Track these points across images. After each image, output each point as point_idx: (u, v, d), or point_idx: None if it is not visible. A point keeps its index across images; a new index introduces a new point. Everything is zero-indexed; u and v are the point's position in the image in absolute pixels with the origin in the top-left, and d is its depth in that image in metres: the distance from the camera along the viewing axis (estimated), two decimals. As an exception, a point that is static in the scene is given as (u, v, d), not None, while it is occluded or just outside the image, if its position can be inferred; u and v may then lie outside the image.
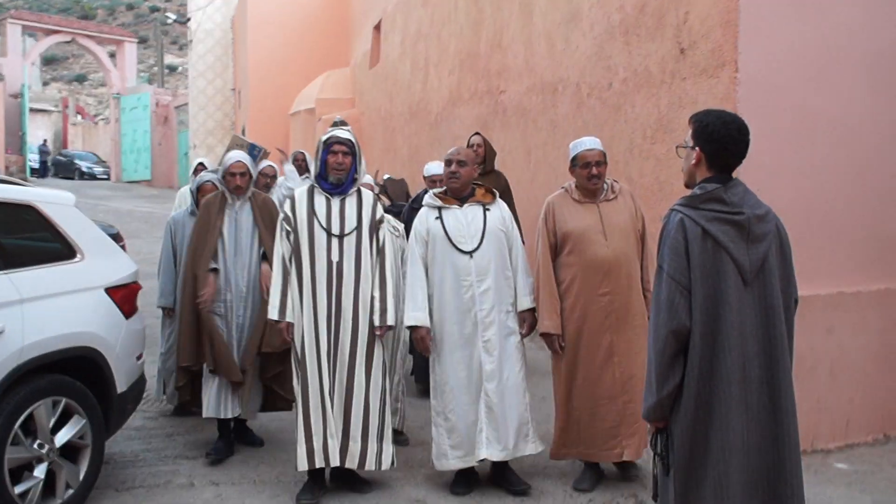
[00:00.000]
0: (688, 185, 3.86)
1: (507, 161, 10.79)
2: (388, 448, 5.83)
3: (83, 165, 45.23)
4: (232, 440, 6.71)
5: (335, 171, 5.80)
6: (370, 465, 5.75)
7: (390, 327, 5.92)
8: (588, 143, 5.92)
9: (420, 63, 16.00)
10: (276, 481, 6.12)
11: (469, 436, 5.76)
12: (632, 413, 5.69)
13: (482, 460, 5.78)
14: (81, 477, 5.50)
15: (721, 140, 3.69)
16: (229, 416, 6.53)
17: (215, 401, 6.48)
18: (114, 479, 6.11)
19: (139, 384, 6.25)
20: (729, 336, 3.57)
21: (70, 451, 5.47)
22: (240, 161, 6.65)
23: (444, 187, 6.13)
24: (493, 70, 12.04)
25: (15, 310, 5.10)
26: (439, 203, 6.00)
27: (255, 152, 8.87)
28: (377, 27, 20.23)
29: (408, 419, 7.17)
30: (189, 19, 34.25)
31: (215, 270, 6.48)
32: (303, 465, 5.66)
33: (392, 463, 5.85)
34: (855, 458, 6.53)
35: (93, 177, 44.09)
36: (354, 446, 5.72)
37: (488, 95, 12.24)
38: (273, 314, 5.78)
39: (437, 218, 5.94)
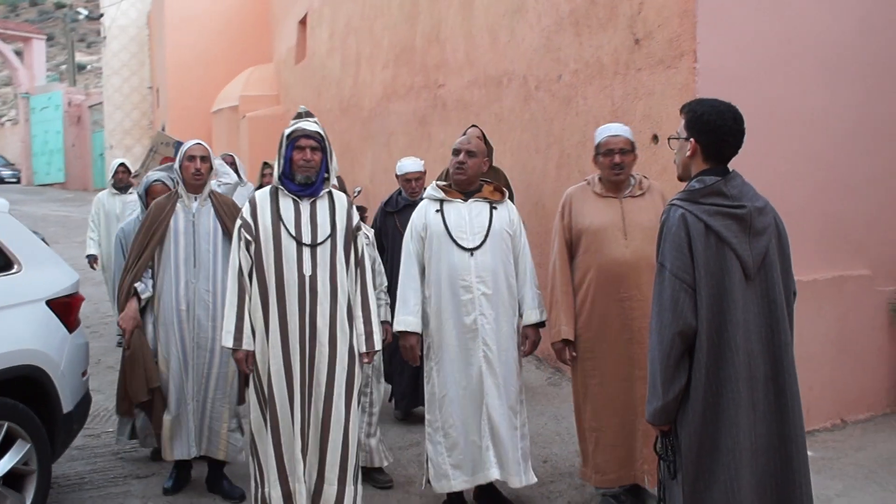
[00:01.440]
0: (682, 178, 3.78)
1: (448, 156, 10.67)
2: (360, 489, 5.11)
3: (-11, 169, 43.79)
4: (189, 473, 5.98)
5: (303, 169, 4.95)
6: None
7: (377, 352, 5.27)
8: (613, 129, 5.37)
9: (351, 58, 15.82)
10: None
11: (472, 453, 5.24)
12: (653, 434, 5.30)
13: (478, 486, 5.37)
14: (28, 505, 5.11)
15: (717, 130, 3.60)
16: (193, 454, 5.76)
17: (179, 439, 5.72)
18: (61, 506, 5.77)
19: (85, 402, 5.82)
20: (735, 335, 3.48)
21: (14, 479, 5.05)
22: (200, 143, 5.87)
23: (448, 181, 5.56)
24: (430, 64, 11.93)
25: (-49, 327, 4.73)
26: (441, 195, 5.42)
27: None
28: (303, 21, 20.00)
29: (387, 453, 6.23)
30: (102, 15, 33.51)
31: (135, 294, 5.67)
32: None
33: None
34: (818, 445, 6.56)
35: (1, 180, 42.40)
36: (330, 490, 4.93)
37: (426, 90, 12.13)
38: (227, 341, 4.93)
39: (437, 211, 5.37)
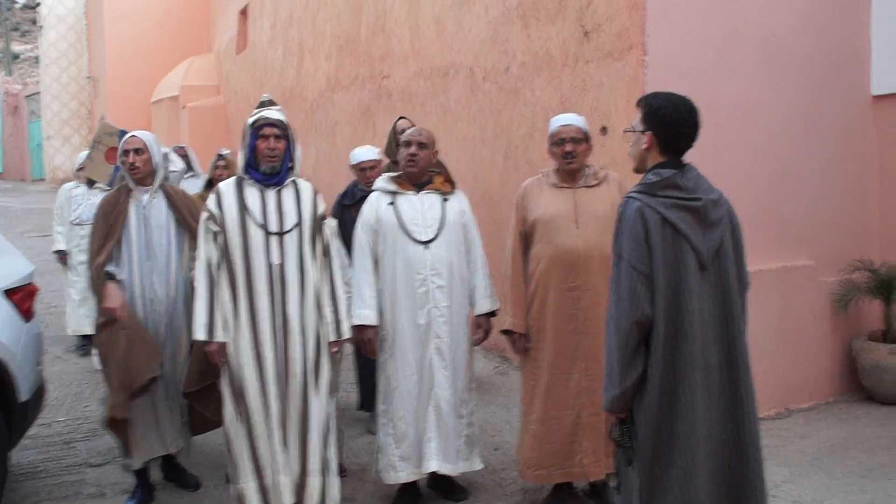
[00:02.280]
0: (638, 170, 3.80)
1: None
2: (338, 482, 5.08)
3: (-78, 160, 42.82)
4: (151, 484, 5.70)
5: (268, 158, 4.92)
6: (332, 501, 5.00)
7: (347, 340, 5.22)
8: (565, 118, 5.31)
9: (293, 48, 15.71)
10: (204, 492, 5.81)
11: (418, 445, 5.29)
12: (593, 427, 5.17)
13: (432, 473, 5.36)
14: (-17, 494, 5.11)
15: (673, 123, 3.62)
16: (156, 454, 5.62)
17: (147, 439, 5.52)
18: (16, 495, 5.74)
19: (40, 392, 5.86)
20: (692, 323, 3.51)
21: None
22: (134, 136, 5.64)
23: (399, 172, 5.53)
24: (375, 55, 11.87)
25: None
26: (394, 187, 5.41)
27: None
28: (243, 12, 19.81)
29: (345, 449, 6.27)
30: (39, 4, 32.93)
31: (111, 277, 5.41)
32: (254, 502, 4.87)
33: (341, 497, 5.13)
34: (764, 433, 6.40)
35: (-64, 172, 41.69)
36: (314, 481, 4.91)
37: (370, 81, 12.08)
38: (200, 333, 4.85)
39: (390, 204, 5.35)
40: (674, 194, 3.56)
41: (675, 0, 6.56)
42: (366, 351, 5.41)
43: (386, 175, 5.56)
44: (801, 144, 7.29)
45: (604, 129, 6.89)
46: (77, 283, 9.10)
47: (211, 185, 6.93)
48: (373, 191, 5.56)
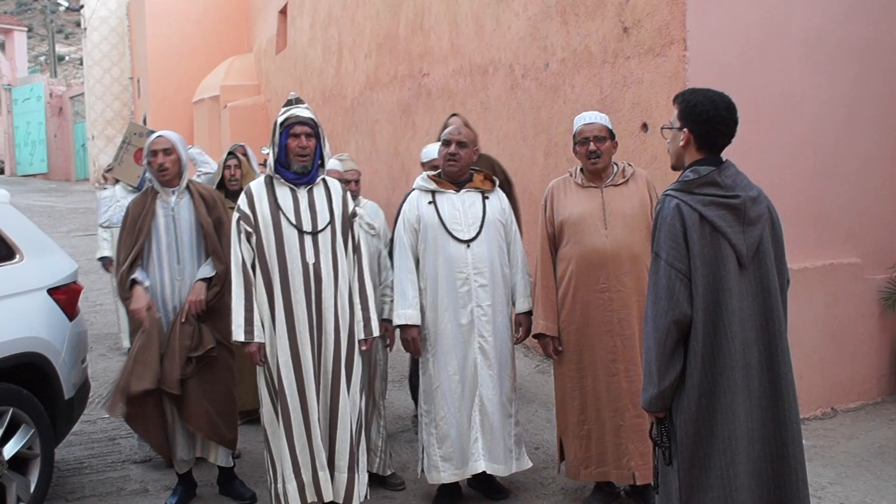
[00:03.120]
0: (675, 168, 3.76)
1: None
2: (366, 478, 5.10)
3: (-28, 160, 43.44)
4: (194, 481, 5.65)
5: (299, 157, 4.91)
6: (358, 498, 4.99)
7: (376, 338, 5.26)
8: (588, 117, 5.23)
9: (332, 47, 15.73)
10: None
11: (462, 446, 5.24)
12: (637, 429, 5.08)
13: (480, 474, 5.31)
14: (32, 489, 5.22)
15: (711, 120, 3.58)
16: (193, 456, 5.52)
17: (178, 443, 5.44)
18: (62, 490, 5.81)
19: (84, 389, 5.96)
20: (731, 322, 3.47)
21: (19, 463, 5.18)
22: (161, 136, 5.52)
23: (439, 170, 5.50)
24: (414, 53, 11.85)
25: (-44, 317, 4.78)
26: (433, 186, 5.37)
27: None
28: (283, 11, 19.89)
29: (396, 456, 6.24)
30: (82, 6, 33.29)
31: (135, 283, 5.33)
32: (295, 501, 4.86)
33: (367, 496, 5.13)
34: (809, 433, 6.55)
35: (-16, 171, 42.25)
36: (341, 477, 4.93)
37: (410, 78, 12.06)
38: (238, 335, 4.83)
39: (430, 203, 5.32)
40: (712, 192, 3.52)
41: (714, -5, 6.46)
42: (410, 350, 5.39)
43: (425, 174, 5.51)
44: (844, 139, 7.17)
45: (644, 126, 6.81)
46: None
47: (223, 184, 6.91)
48: (412, 190, 5.53)
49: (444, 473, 5.27)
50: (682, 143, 3.65)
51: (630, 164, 5.34)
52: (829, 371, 7.05)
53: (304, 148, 4.91)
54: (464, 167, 5.39)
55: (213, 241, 5.44)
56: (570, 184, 5.29)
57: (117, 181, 8.48)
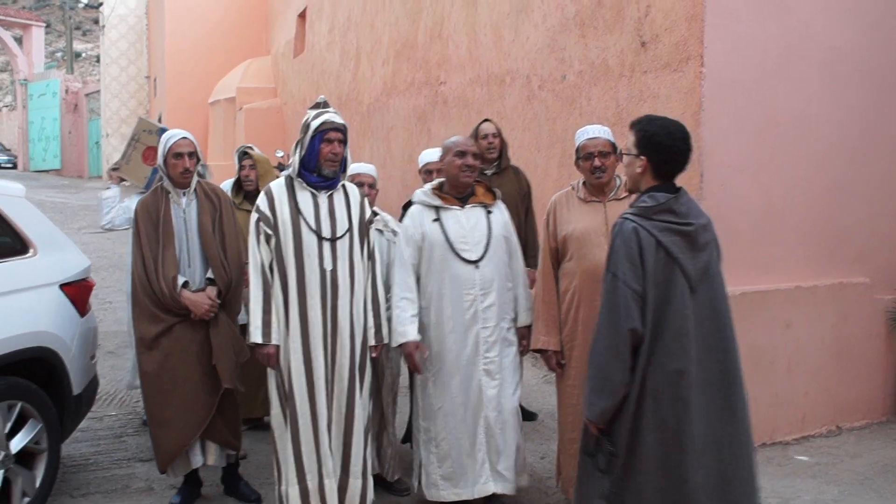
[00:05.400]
0: (631, 191, 3.98)
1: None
2: (372, 482, 5.13)
3: (-15, 154, 43.62)
4: (199, 480, 5.62)
5: (330, 162, 4.90)
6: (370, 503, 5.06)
7: (385, 345, 5.23)
8: (591, 131, 5.09)
9: (350, 52, 15.81)
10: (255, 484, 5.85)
11: (463, 465, 5.14)
12: None
13: (491, 495, 5.20)
14: (38, 484, 5.24)
15: (668, 150, 3.76)
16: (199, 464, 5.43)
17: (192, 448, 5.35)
18: (67, 485, 5.84)
19: (93, 385, 5.98)
20: (680, 342, 3.63)
21: (25, 457, 5.19)
22: (186, 137, 5.37)
23: (437, 181, 5.35)
24: (432, 60, 11.92)
25: (-29, 308, 4.81)
26: (438, 202, 5.17)
27: None
28: (302, 15, 20.01)
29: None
30: (101, 4, 33.49)
31: (186, 284, 5.23)
32: None
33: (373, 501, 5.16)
34: (814, 451, 6.60)
35: (-3, 166, 42.36)
36: (356, 483, 4.96)
37: (427, 86, 12.13)
38: (256, 337, 4.80)
39: (434, 220, 5.15)
40: (668, 219, 3.71)
41: (734, 12, 6.50)
42: (410, 366, 5.22)
43: (428, 187, 5.34)
44: (858, 159, 7.20)
45: (659, 141, 6.84)
46: None
47: (239, 185, 6.87)
48: (412, 203, 5.42)
49: (444, 492, 5.19)
50: (639, 171, 3.83)
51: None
52: (835, 389, 7.08)
53: (337, 154, 4.92)
54: (474, 180, 5.30)
55: (212, 249, 5.33)
56: (572, 198, 5.18)
57: (122, 180, 8.12)
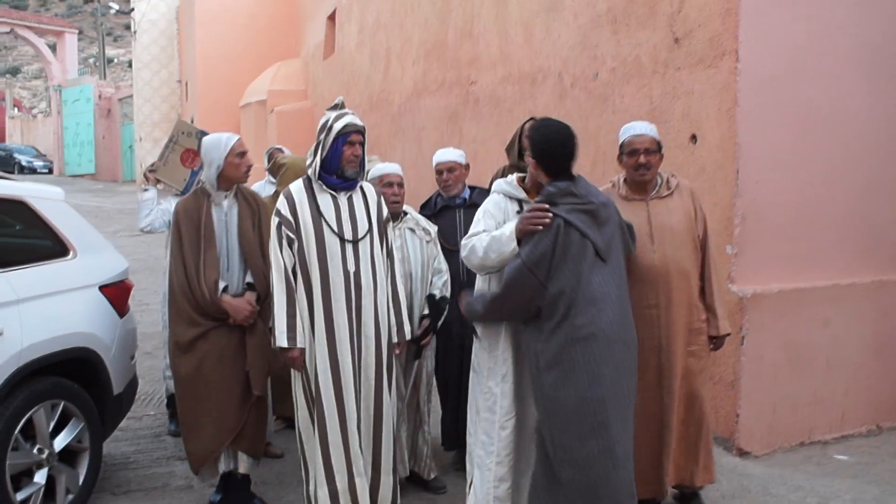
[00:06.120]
0: (535, 188, 4.56)
1: (479, 152, 10.69)
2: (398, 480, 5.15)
3: (23, 159, 44.13)
4: (236, 482, 5.48)
5: (352, 164, 4.91)
6: (398, 500, 5.07)
7: (408, 342, 5.22)
8: (638, 128, 5.06)
9: (380, 53, 15.80)
10: (278, 482, 5.93)
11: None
12: (689, 437, 5.08)
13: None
14: (81, 481, 5.35)
15: (550, 155, 4.35)
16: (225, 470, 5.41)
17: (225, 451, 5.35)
18: (109, 483, 5.91)
19: (133, 385, 6.07)
20: (595, 302, 4.16)
21: (68, 456, 5.30)
22: (241, 138, 5.41)
23: (519, 174, 4.86)
24: (462, 60, 11.88)
25: (13, 311, 4.89)
26: (522, 195, 4.66)
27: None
28: (331, 17, 20.02)
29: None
30: (133, 9, 33.76)
31: (226, 289, 5.23)
32: None
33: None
34: (853, 450, 6.51)
35: (33, 171, 42.77)
36: (387, 480, 4.99)
37: (458, 86, 12.09)
38: (282, 341, 4.75)
39: (518, 212, 4.59)
40: (572, 201, 4.25)
41: (768, 7, 6.42)
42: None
43: (512, 178, 4.79)
44: (894, 154, 7.10)
45: (693, 138, 6.78)
46: None
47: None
48: (456, 200, 5.73)
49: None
50: (534, 170, 4.47)
51: (674, 175, 5.23)
52: (875, 388, 7.00)
53: (358, 156, 4.94)
54: None
55: (253, 254, 5.32)
56: (613, 196, 4.93)
57: (158, 181, 8.04)
